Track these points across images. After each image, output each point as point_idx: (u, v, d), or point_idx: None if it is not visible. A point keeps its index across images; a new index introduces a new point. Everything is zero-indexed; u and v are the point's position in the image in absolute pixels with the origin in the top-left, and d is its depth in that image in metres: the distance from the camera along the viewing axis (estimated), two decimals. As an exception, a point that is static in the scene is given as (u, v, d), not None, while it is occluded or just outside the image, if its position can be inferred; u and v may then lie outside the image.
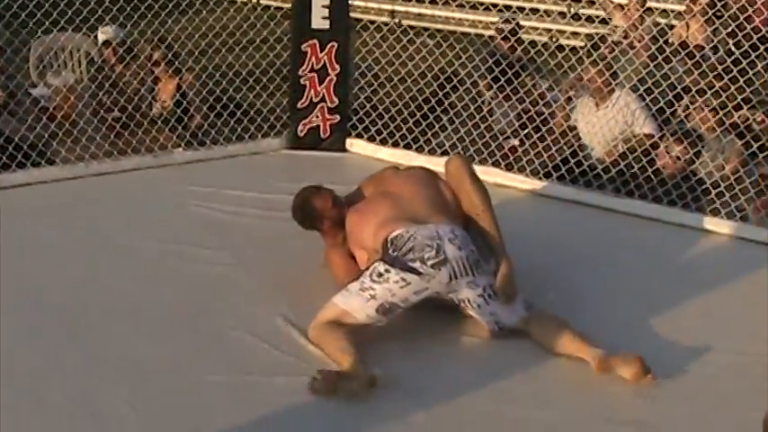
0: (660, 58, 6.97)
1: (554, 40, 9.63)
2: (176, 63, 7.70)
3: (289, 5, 7.29)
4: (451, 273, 4.17)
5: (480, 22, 10.18)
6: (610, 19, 9.25)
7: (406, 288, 4.18)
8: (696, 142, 6.23)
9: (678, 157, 6.15)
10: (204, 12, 7.27)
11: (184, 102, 7.50)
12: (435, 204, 4.45)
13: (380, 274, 4.18)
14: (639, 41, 7.69)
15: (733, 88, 6.51)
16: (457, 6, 8.38)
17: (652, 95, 6.52)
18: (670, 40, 8.29)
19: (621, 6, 9.24)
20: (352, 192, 4.86)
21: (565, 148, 6.68)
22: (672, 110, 6.81)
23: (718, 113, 6.53)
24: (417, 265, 4.16)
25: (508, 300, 4.25)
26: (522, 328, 4.26)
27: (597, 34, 8.28)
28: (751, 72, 6.22)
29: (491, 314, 4.23)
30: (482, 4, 9.07)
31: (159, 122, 7.12)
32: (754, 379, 4.11)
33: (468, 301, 4.23)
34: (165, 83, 7.66)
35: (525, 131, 6.83)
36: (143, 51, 7.52)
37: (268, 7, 8.94)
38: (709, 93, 6.50)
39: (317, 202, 4.79)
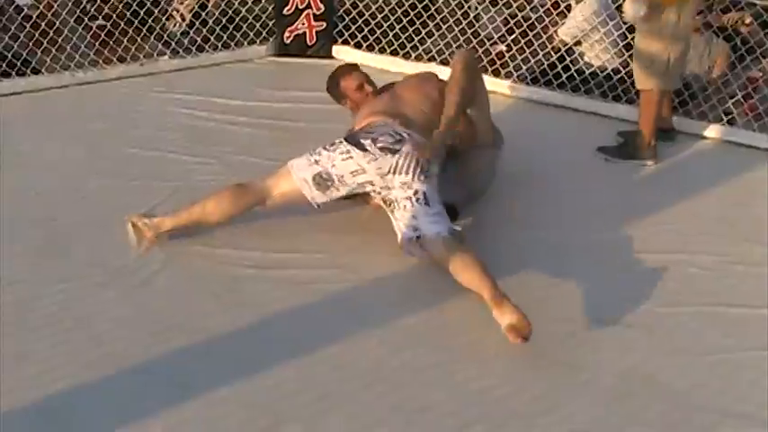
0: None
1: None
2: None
3: None
4: (393, 164, 4.14)
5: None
6: None
7: (346, 161, 4.18)
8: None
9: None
10: None
11: (203, 14, 7.42)
12: (427, 117, 4.44)
13: (333, 144, 4.27)
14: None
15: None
16: None
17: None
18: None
19: None
20: (385, 84, 4.91)
21: (552, 53, 6.65)
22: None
23: (705, 15, 6.51)
24: (367, 142, 4.20)
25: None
26: (433, 249, 3.96)
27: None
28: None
29: (413, 217, 4.04)
30: None
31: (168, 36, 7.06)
32: (734, 278, 4.17)
33: (397, 201, 4.11)
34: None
35: (512, 36, 6.80)
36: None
37: None
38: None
39: (343, 80, 4.89)
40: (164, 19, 7.26)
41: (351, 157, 4.19)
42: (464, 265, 3.82)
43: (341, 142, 4.26)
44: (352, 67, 5.01)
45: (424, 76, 4.91)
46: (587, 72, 6.44)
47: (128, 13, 6.97)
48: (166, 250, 4.16)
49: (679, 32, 5.22)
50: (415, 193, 4.08)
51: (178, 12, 7.59)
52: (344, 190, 4.24)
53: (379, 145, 4.19)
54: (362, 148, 4.19)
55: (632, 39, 6.45)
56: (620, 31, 6.58)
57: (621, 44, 6.59)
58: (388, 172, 4.15)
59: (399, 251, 4.07)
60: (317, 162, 4.23)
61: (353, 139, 4.25)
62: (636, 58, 5.34)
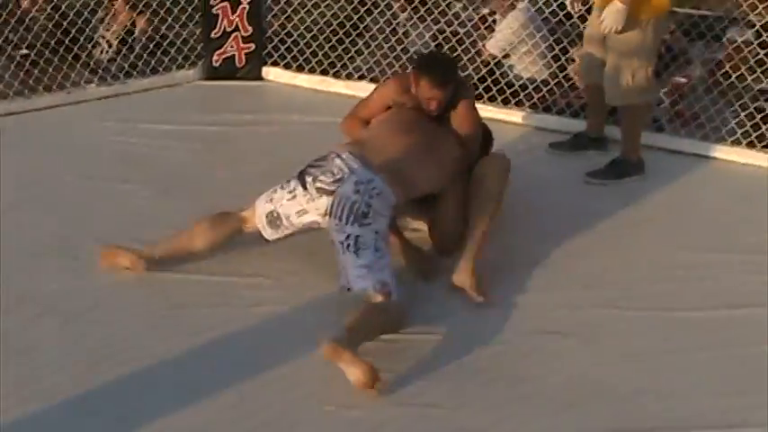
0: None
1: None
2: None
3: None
4: (329, 207, 3.94)
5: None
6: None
7: (291, 201, 4.07)
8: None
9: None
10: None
11: (129, 40, 7.37)
12: (402, 169, 4.10)
13: (288, 180, 4.13)
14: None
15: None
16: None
17: (557, 3, 6.53)
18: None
19: None
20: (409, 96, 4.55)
21: (482, 66, 6.69)
22: (574, 22, 6.82)
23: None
24: (309, 180, 4.03)
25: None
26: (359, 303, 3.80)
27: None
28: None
29: (343, 267, 3.89)
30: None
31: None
32: (673, 282, 4.22)
33: (334, 244, 3.94)
34: (121, 17, 7.49)
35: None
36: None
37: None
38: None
39: (424, 78, 4.44)
40: (90, 46, 7.18)
41: (294, 197, 4.07)
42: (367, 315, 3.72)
43: (292, 178, 4.11)
44: (443, 81, 4.43)
45: (446, 135, 4.47)
46: (517, 84, 6.49)
47: (52, 42, 6.89)
48: (102, 280, 4.10)
49: (656, 47, 5.27)
50: (347, 237, 3.89)
51: (104, 39, 7.53)
52: (293, 229, 4.15)
53: (317, 185, 4.00)
54: (304, 186, 4.04)
55: (561, 50, 6.55)
56: (548, 43, 6.65)
57: (549, 56, 6.66)
58: (325, 213, 3.99)
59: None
60: (271, 200, 4.15)
61: (302, 174, 4.07)
62: (614, 75, 5.17)
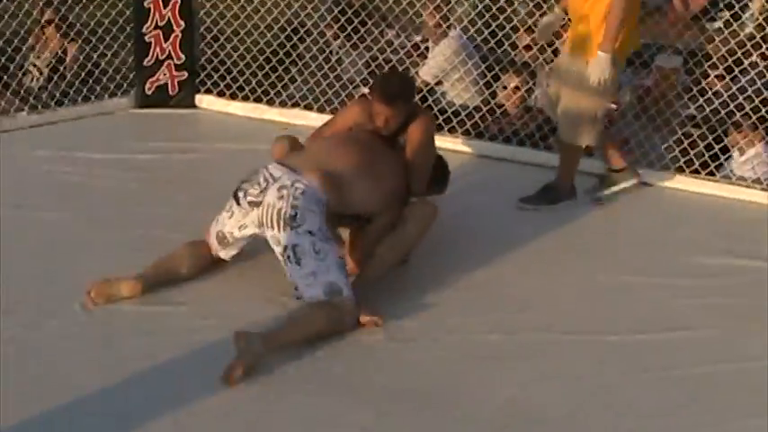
0: None
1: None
2: (65, 26, 7.45)
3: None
4: (260, 217, 4.01)
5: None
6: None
7: (231, 218, 4.16)
8: (531, 75, 6.42)
9: (517, 88, 6.30)
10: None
11: (60, 68, 7.29)
12: (332, 172, 4.12)
13: (229, 198, 4.20)
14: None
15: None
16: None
17: (489, 32, 6.61)
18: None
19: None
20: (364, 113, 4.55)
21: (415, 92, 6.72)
22: (505, 50, 6.90)
23: (554, 50, 6.68)
24: (242, 194, 4.10)
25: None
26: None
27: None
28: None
29: (290, 276, 3.96)
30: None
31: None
32: (606, 306, 4.27)
33: (278, 256, 4.02)
34: (51, 44, 7.40)
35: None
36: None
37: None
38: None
39: (377, 98, 4.44)
40: (20, 74, 7.11)
41: (232, 214, 4.16)
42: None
43: (231, 196, 4.16)
44: (390, 98, 4.41)
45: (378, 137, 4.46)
46: (450, 111, 6.54)
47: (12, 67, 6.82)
48: (31, 311, 4.05)
49: (614, 85, 5.18)
50: (285, 249, 3.95)
51: (35, 66, 7.45)
52: (240, 244, 4.21)
53: (248, 198, 4.07)
54: (238, 202, 4.12)
55: (492, 77, 6.61)
56: (480, 70, 6.71)
57: (482, 82, 6.72)
58: (261, 225, 4.04)
59: (277, 298, 4.07)
60: (216, 221, 4.24)
61: (236, 191, 4.13)
62: (574, 113, 5.12)
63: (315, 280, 3.89)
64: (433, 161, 4.63)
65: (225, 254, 4.29)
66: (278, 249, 3.98)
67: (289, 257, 3.94)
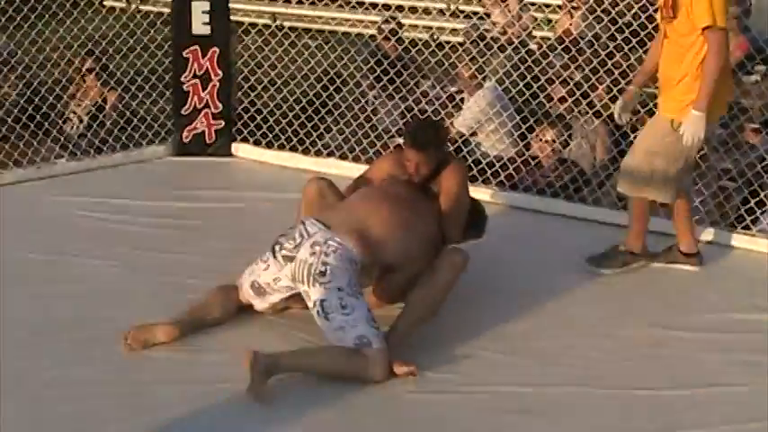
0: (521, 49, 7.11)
1: (434, 37, 9.74)
2: (105, 75, 7.58)
3: (169, 11, 7.24)
4: (293, 272, 4.09)
5: (361, 21, 10.23)
6: (488, 15, 9.38)
7: (267, 271, 4.22)
8: (565, 127, 6.43)
9: (551, 140, 6.31)
10: (82, 20, 7.17)
11: (100, 116, 7.40)
12: (365, 229, 4.16)
13: (265, 252, 4.27)
14: (517, 36, 7.81)
15: (608, 81, 6.70)
16: (337, 7, 8.40)
17: (524, 83, 6.64)
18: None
19: (500, 2, 9.39)
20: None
21: (449, 144, 6.76)
22: (540, 101, 6.93)
23: (590, 104, 6.70)
24: (278, 248, 4.18)
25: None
26: None
27: (466, 27, 8.41)
28: (625, 64, 6.38)
29: (324, 332, 4.02)
30: (362, 3, 9.13)
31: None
32: (637, 361, 4.24)
33: (310, 309, 4.08)
34: (91, 92, 7.52)
35: (409, 129, 6.89)
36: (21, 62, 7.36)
37: (147, 14, 8.89)
38: (585, 85, 6.64)
39: (412, 147, 4.49)
40: (60, 122, 7.21)
41: (268, 266, 4.22)
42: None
43: (269, 249, 4.24)
44: (421, 145, 4.47)
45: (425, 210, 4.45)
46: (484, 162, 6.56)
47: (23, 117, 6.92)
48: (66, 357, 4.09)
49: (690, 151, 4.92)
50: (314, 305, 4.01)
51: (75, 114, 7.56)
52: (278, 296, 4.26)
53: (282, 252, 4.15)
54: (275, 256, 4.19)
55: (527, 129, 6.64)
56: (515, 122, 6.74)
57: (516, 134, 6.75)
58: (294, 279, 4.11)
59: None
60: (252, 272, 4.30)
61: (274, 244, 4.22)
62: (645, 168, 4.91)
63: (344, 335, 3.93)
64: (467, 207, 4.65)
65: (259, 305, 4.34)
66: (309, 305, 4.06)
67: (318, 313, 4.00)
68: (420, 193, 4.50)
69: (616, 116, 5.22)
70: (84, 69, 7.60)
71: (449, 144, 5.97)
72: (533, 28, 8.89)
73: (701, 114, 4.67)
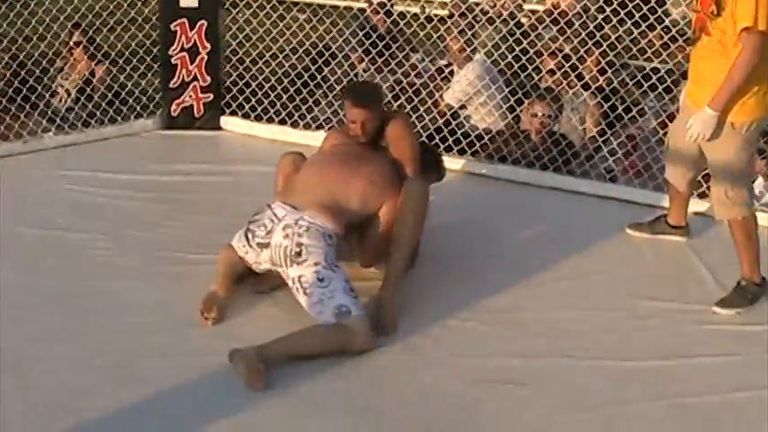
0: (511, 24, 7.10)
1: (424, 10, 9.71)
2: (92, 48, 7.55)
3: (157, -16, 7.21)
4: (271, 258, 4.19)
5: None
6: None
7: (247, 255, 4.32)
8: (554, 100, 6.42)
9: (540, 114, 6.30)
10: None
11: (88, 89, 7.37)
12: (330, 199, 4.27)
13: (241, 233, 4.36)
14: (506, 9, 7.80)
15: (597, 52, 6.70)
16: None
17: (513, 56, 6.63)
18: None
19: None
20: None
21: (438, 117, 6.77)
22: (529, 74, 6.93)
23: (579, 76, 6.70)
24: (250, 236, 4.28)
25: (386, 331, 4.13)
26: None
27: (452, 1, 8.39)
28: (614, 36, 6.38)
29: (305, 307, 4.07)
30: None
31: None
32: (624, 332, 4.26)
33: (291, 288, 4.17)
34: (79, 66, 7.49)
35: (399, 102, 6.90)
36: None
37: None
38: (574, 58, 6.64)
39: (352, 102, 4.60)
40: (48, 95, 7.19)
41: (247, 252, 4.32)
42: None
43: (241, 234, 4.34)
44: (364, 102, 4.58)
45: (354, 146, 4.59)
46: (473, 135, 6.56)
47: (10, 91, 6.90)
48: (50, 330, 4.09)
49: (751, 154, 4.61)
50: (293, 282, 4.09)
51: (63, 88, 7.53)
52: (263, 269, 4.33)
53: (256, 240, 4.25)
54: (249, 244, 4.29)
55: (516, 102, 6.63)
56: (503, 94, 6.74)
57: (505, 107, 6.75)
58: (273, 264, 4.21)
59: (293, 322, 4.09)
60: (238, 248, 4.37)
61: (246, 231, 4.31)
62: (715, 189, 4.58)
63: (323, 307, 3.98)
64: (418, 147, 4.72)
65: (255, 268, 4.40)
66: (289, 284, 4.13)
67: (297, 290, 4.08)
68: (369, 146, 4.60)
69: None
70: (71, 42, 7.57)
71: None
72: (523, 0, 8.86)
73: (713, 114, 4.36)
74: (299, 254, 4.08)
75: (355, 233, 4.40)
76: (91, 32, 7.52)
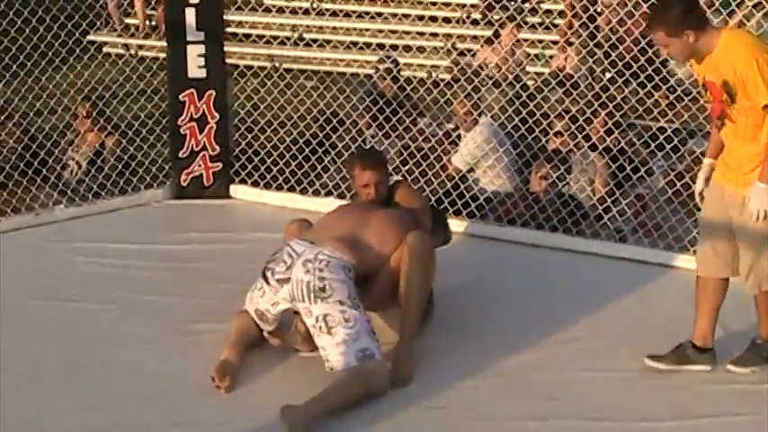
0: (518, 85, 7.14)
1: (430, 75, 9.80)
2: (101, 120, 7.60)
3: (164, 56, 7.29)
4: (292, 293, 4.19)
5: (356, 61, 10.30)
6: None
7: (263, 297, 4.31)
8: (563, 162, 6.43)
9: (545, 177, 6.32)
10: (78, 67, 7.21)
11: (98, 161, 7.42)
12: (347, 235, 4.36)
13: (258, 278, 4.38)
14: (511, 72, 7.85)
15: (603, 113, 6.74)
16: (332, 48, 8.46)
17: (519, 118, 6.67)
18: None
19: (491, 41, 9.45)
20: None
21: (446, 180, 6.79)
22: (536, 136, 6.95)
23: (586, 137, 6.73)
24: (269, 274, 4.28)
25: (402, 384, 4.18)
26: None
27: (457, 65, 8.46)
28: (619, 97, 6.42)
29: (321, 348, 4.12)
30: (356, 44, 9.19)
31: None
32: (639, 392, 4.23)
33: (310, 329, 4.20)
34: (89, 138, 7.53)
35: (407, 167, 6.93)
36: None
37: (143, 59, 8.95)
38: (581, 119, 6.67)
39: (358, 169, 4.76)
40: (59, 168, 7.23)
41: (264, 293, 4.32)
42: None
43: (259, 276, 4.35)
44: (375, 163, 4.77)
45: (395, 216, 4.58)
46: (482, 197, 6.57)
47: (21, 164, 6.94)
48: (66, 406, 4.07)
49: None
50: (317, 320, 4.11)
51: (74, 160, 7.58)
52: (277, 313, 4.33)
53: (276, 276, 4.25)
54: (267, 281, 4.28)
55: (524, 164, 6.65)
56: (511, 157, 6.76)
57: (513, 169, 6.77)
58: (292, 300, 4.21)
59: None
60: (251, 300, 4.39)
61: (263, 271, 4.32)
62: (748, 262, 4.29)
63: (347, 348, 4.03)
64: (427, 205, 4.89)
65: (267, 328, 4.42)
66: (310, 321, 4.14)
67: (320, 328, 4.10)
68: (382, 205, 4.67)
69: (697, 196, 4.53)
70: (80, 115, 7.63)
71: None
72: (527, 63, 8.93)
73: (765, 187, 4.10)
74: (323, 289, 4.11)
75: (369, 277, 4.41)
76: (100, 104, 7.57)
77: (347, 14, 12.04)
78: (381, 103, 7.18)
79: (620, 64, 6.33)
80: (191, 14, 6.53)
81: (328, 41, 12.26)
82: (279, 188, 6.89)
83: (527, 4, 11.43)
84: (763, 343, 4.43)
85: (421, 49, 11.27)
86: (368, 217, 4.48)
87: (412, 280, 4.35)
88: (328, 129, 7.36)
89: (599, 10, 8.61)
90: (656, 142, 6.33)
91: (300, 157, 7.06)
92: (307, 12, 13.04)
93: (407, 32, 11.74)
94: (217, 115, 6.78)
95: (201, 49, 6.65)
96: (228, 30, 7.11)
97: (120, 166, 7.15)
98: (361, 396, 3.97)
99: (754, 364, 4.40)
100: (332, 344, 4.06)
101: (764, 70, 3.99)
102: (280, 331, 4.41)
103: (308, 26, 13.17)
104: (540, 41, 10.70)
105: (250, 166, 6.97)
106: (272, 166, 6.95)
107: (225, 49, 6.86)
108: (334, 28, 12.70)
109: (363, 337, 4.06)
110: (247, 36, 12.01)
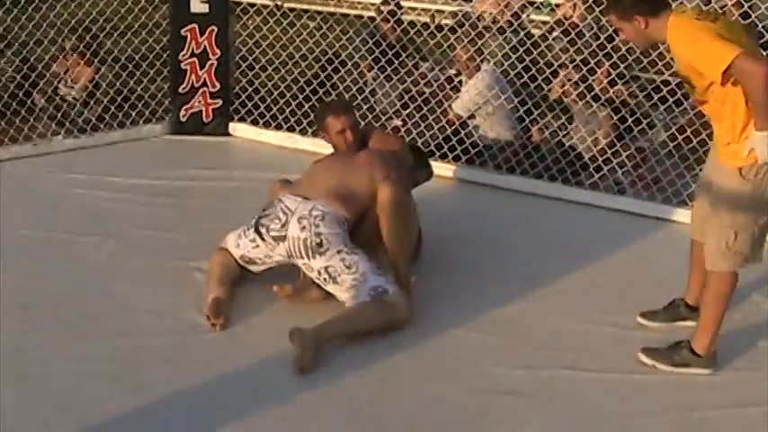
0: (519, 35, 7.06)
1: (433, 19, 9.71)
2: (88, 53, 7.48)
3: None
4: (289, 250, 4.23)
5: (360, 2, 10.21)
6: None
7: (256, 249, 4.36)
8: (564, 111, 6.40)
9: (544, 128, 6.29)
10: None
11: (97, 93, 7.35)
12: (337, 186, 4.37)
13: (248, 228, 4.40)
14: (507, 23, 7.75)
15: (607, 64, 6.69)
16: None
17: (522, 66, 6.62)
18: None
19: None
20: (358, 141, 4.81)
21: (447, 126, 6.76)
22: (539, 85, 6.91)
23: (588, 87, 6.67)
24: (264, 231, 4.30)
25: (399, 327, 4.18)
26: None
27: (461, 11, 8.38)
28: (624, 48, 6.36)
29: (336, 293, 4.18)
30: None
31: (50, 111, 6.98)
32: (629, 345, 4.23)
33: (315, 279, 4.25)
34: (78, 72, 7.44)
35: (407, 111, 6.90)
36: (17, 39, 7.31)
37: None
38: (584, 69, 6.62)
39: (329, 117, 4.79)
40: (57, 98, 7.19)
41: (258, 246, 4.36)
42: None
43: (250, 228, 4.38)
44: (345, 108, 4.87)
45: (378, 155, 4.59)
46: (482, 145, 6.55)
47: (20, 93, 6.90)
48: (57, 335, 4.09)
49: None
50: (319, 273, 4.18)
51: (72, 90, 7.52)
52: (271, 263, 4.39)
53: (271, 234, 4.28)
54: (262, 237, 4.32)
55: (525, 112, 6.62)
56: (512, 105, 6.72)
57: (514, 117, 6.73)
58: (290, 256, 4.26)
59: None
60: (238, 246, 4.43)
61: (257, 225, 4.34)
62: (713, 234, 4.00)
63: (358, 291, 4.10)
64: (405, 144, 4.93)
65: (255, 269, 4.46)
66: (313, 275, 4.21)
67: (325, 279, 4.17)
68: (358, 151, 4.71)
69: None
70: (67, 48, 7.48)
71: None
72: (531, 12, 8.81)
73: (764, 134, 3.84)
74: (320, 244, 4.16)
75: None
76: (87, 37, 7.37)
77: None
78: (384, 45, 7.12)
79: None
80: (195, -52, 6.50)
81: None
82: (278, 127, 6.87)
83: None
84: (685, 347, 4.06)
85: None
86: (351, 163, 4.51)
87: (393, 234, 4.33)
88: (330, 70, 7.31)
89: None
90: (659, 95, 6.28)
91: (301, 97, 7.02)
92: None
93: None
94: (218, 52, 6.75)
95: (205, -17, 6.61)
96: (232, -35, 7.03)
97: (119, 99, 7.10)
98: (381, 325, 4.06)
99: (660, 363, 4.05)
100: (341, 290, 4.14)
101: (704, 48, 3.81)
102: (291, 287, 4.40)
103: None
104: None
105: (250, 104, 6.94)
106: (273, 105, 6.93)
107: (228, -16, 6.82)
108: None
109: (371, 277, 4.12)
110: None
